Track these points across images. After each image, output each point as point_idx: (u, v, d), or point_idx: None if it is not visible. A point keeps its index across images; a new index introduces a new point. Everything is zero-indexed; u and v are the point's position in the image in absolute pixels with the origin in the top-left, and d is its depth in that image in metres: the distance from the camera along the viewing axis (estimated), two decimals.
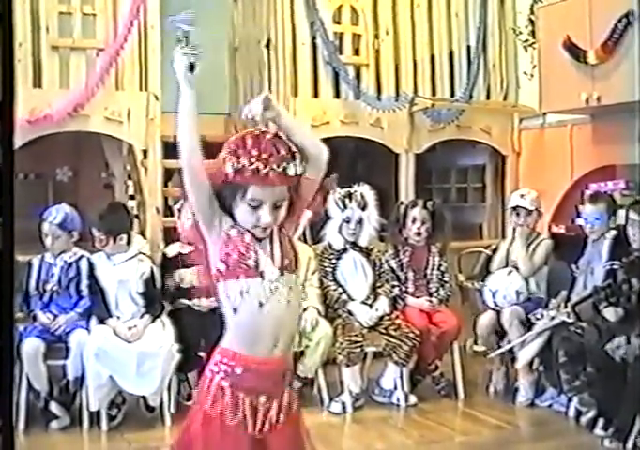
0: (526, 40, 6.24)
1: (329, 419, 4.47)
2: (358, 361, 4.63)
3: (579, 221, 4.75)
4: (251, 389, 2.11)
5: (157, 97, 5.37)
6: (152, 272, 4.58)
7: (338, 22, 5.90)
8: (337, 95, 5.92)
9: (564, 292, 4.62)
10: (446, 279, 5.05)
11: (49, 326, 4.33)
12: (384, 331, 4.69)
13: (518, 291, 4.84)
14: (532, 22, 6.07)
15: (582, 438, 4.11)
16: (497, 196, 6.61)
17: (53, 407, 4.26)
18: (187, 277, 4.60)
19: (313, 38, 5.80)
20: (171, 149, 5.57)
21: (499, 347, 4.77)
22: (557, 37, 5.34)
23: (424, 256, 5.04)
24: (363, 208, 4.80)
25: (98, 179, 6.88)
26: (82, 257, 4.57)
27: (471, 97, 6.24)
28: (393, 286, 4.91)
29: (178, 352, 4.31)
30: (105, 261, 4.53)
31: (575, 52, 5.21)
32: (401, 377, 4.69)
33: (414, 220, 5.01)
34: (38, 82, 5.10)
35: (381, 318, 4.72)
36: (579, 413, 4.28)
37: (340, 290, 4.79)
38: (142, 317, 4.43)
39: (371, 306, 4.77)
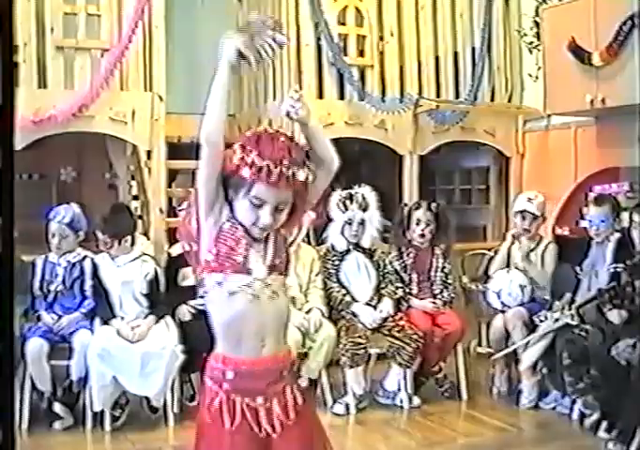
0: (531, 42, 6.24)
1: (333, 420, 4.46)
2: (361, 362, 4.62)
3: (583, 223, 4.74)
4: (245, 391, 2.09)
5: (161, 98, 5.38)
6: (156, 273, 4.58)
7: (342, 24, 5.91)
8: (341, 96, 5.92)
9: (568, 295, 4.62)
10: (450, 281, 5.04)
11: (53, 327, 4.33)
12: (387, 333, 4.69)
13: (521, 285, 4.85)
14: (537, 23, 6.07)
15: (585, 441, 4.09)
16: (501, 198, 6.61)
17: (57, 407, 4.26)
18: (190, 276, 4.60)
19: (318, 40, 5.81)
20: (175, 150, 5.64)
21: (508, 348, 4.76)
22: (562, 39, 5.34)
23: (428, 258, 5.04)
24: (365, 210, 4.80)
25: (101, 180, 6.89)
26: (85, 257, 4.57)
27: (475, 98, 6.24)
28: (397, 288, 4.90)
29: (182, 353, 4.30)
30: (109, 262, 4.54)
31: (580, 54, 5.21)
32: (404, 379, 4.69)
33: (418, 222, 5.00)
34: (42, 83, 5.11)
35: (385, 319, 4.72)
36: (583, 416, 4.27)
37: (343, 291, 4.79)
38: (146, 317, 4.43)
39: (374, 307, 4.77)
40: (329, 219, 4.85)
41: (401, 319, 4.75)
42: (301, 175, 2.04)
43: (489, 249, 5.57)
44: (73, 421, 4.28)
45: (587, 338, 4.18)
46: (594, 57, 5.10)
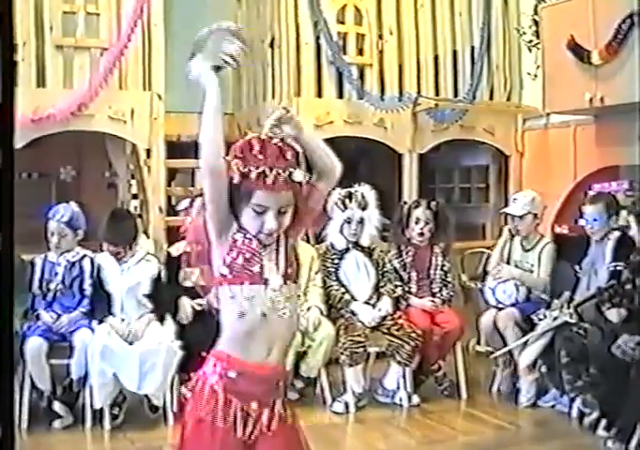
0: (530, 41, 6.24)
1: (332, 419, 4.47)
2: (360, 361, 4.63)
3: (581, 222, 4.74)
4: (243, 394, 2.09)
5: (160, 97, 5.38)
6: (159, 272, 4.59)
7: (342, 22, 5.91)
8: (340, 95, 5.93)
9: (567, 293, 4.62)
10: (449, 280, 5.04)
11: (52, 325, 4.33)
12: (387, 331, 4.69)
13: (517, 283, 4.85)
14: (536, 22, 6.07)
15: (585, 439, 4.10)
16: (500, 196, 6.61)
17: (57, 406, 4.26)
18: (190, 276, 4.60)
19: (317, 38, 5.81)
20: (174, 149, 5.64)
21: (505, 345, 4.76)
22: (561, 37, 5.34)
23: (427, 256, 5.04)
24: (364, 208, 4.80)
25: (101, 178, 6.89)
26: (85, 256, 4.57)
27: (474, 97, 6.24)
28: (396, 286, 4.90)
29: (180, 350, 4.30)
30: (111, 262, 4.53)
31: (579, 53, 5.21)
32: (403, 377, 4.69)
33: (417, 221, 5.00)
34: (41, 82, 5.11)
35: (384, 318, 4.72)
36: (582, 414, 4.27)
37: (342, 290, 4.80)
38: (146, 316, 4.43)
39: (374, 306, 4.77)
40: (328, 218, 4.85)
41: (400, 317, 4.75)
42: (298, 176, 2.05)
43: (488, 248, 5.57)
44: (73, 420, 4.28)
45: (586, 337, 4.19)
46: (593, 56, 5.10)
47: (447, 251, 5.10)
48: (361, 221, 4.80)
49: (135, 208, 5.71)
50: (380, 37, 6.04)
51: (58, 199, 5.96)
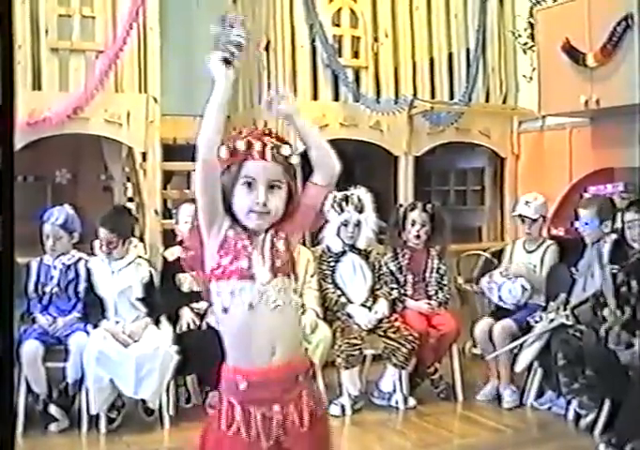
0: (526, 43, 6.24)
1: None
2: (356, 364, 4.63)
3: (577, 224, 4.75)
4: (260, 401, 2.05)
5: (156, 100, 5.38)
6: (151, 276, 4.58)
7: (337, 25, 5.91)
8: (336, 97, 5.92)
9: (563, 295, 4.61)
10: (445, 282, 5.04)
11: (48, 329, 4.33)
12: (383, 334, 4.69)
13: (524, 286, 4.84)
14: (531, 25, 6.07)
15: (581, 441, 4.10)
16: (496, 199, 6.62)
17: (52, 409, 4.26)
18: (186, 281, 4.60)
19: (313, 41, 5.80)
20: (170, 152, 5.64)
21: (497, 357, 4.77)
22: (557, 39, 5.34)
23: (423, 259, 5.04)
24: (360, 211, 4.80)
25: (97, 181, 6.88)
26: (80, 259, 4.57)
27: (470, 99, 6.24)
28: (392, 289, 4.90)
29: (177, 354, 4.30)
30: (104, 267, 4.52)
31: (574, 55, 5.21)
32: (400, 380, 4.69)
33: (413, 223, 5.01)
34: (37, 85, 5.10)
35: (380, 320, 4.72)
36: (578, 416, 4.28)
37: (339, 292, 4.80)
38: (141, 320, 4.43)
39: (370, 308, 4.77)
40: (325, 221, 4.84)
41: (396, 320, 4.75)
42: (286, 150, 2.08)
43: (484, 250, 5.57)
44: (69, 423, 4.27)
45: (582, 339, 4.19)
46: (588, 58, 5.11)
47: (443, 254, 5.10)
48: (358, 224, 4.81)
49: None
50: (376, 39, 6.04)
51: (54, 202, 5.93)
